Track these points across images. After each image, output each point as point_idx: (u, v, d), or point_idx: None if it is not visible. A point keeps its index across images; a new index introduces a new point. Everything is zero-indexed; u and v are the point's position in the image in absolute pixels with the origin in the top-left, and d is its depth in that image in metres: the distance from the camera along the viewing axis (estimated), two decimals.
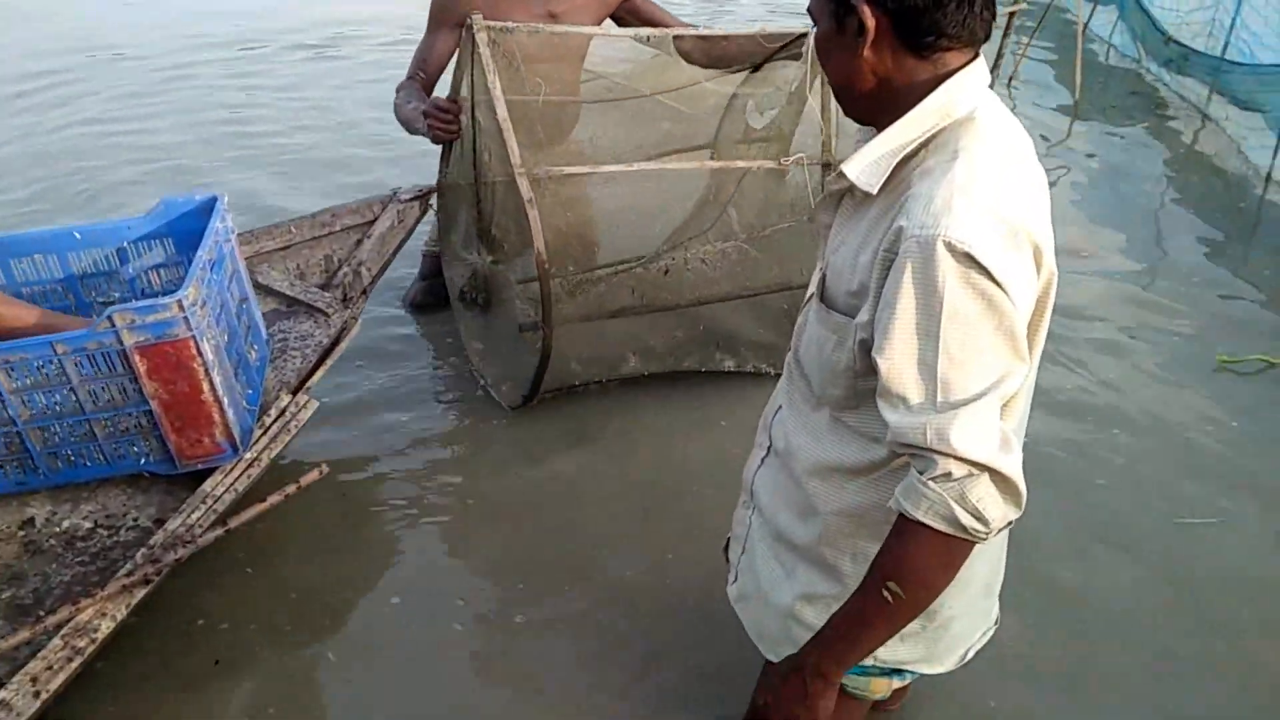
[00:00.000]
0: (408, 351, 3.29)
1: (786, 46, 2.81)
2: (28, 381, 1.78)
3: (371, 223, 2.92)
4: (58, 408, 1.82)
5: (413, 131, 2.84)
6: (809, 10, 1.30)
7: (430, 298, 3.43)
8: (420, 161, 4.28)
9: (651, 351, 2.95)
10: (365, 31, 7.23)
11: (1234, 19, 6.00)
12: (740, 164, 2.86)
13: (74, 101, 5.73)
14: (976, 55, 1.24)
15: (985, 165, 1.18)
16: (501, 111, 2.32)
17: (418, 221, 2.97)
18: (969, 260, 1.11)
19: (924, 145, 1.23)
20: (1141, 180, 4.98)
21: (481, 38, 2.32)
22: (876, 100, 1.25)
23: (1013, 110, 5.01)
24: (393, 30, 7.00)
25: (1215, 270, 4.09)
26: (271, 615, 2.14)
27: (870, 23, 1.17)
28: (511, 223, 2.82)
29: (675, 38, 2.81)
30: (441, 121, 2.62)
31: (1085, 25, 6.60)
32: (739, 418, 2.90)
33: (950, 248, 1.11)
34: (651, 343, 2.96)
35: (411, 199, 2.96)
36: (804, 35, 2.70)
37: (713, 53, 2.90)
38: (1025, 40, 6.66)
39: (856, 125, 1.39)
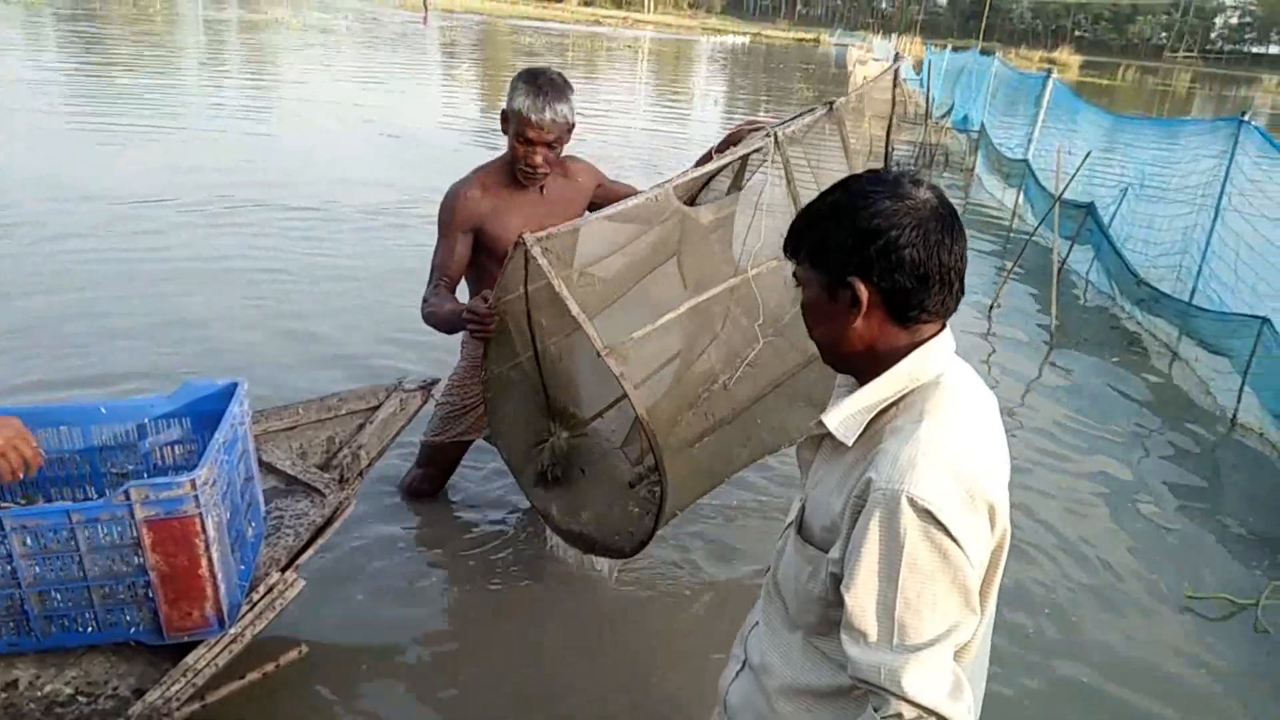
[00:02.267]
0: (399, 538, 3.39)
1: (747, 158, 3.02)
2: (39, 546, 1.89)
3: (375, 408, 3.09)
4: (61, 573, 1.92)
5: (450, 331, 3.00)
6: (795, 275, 1.45)
7: (426, 485, 3.57)
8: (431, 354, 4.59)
9: (731, 456, 3.07)
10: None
11: (1200, 266, 6.41)
12: (752, 271, 2.96)
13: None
14: (944, 325, 1.41)
15: (948, 429, 1.32)
16: (574, 308, 2.44)
17: (418, 411, 3.14)
18: (929, 517, 1.24)
19: (895, 404, 1.38)
20: (1112, 415, 5.20)
21: (536, 250, 2.47)
22: (859, 360, 1.41)
23: (990, 335, 5.32)
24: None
25: (1182, 509, 4.25)
26: None
27: (864, 297, 1.34)
28: (582, 393, 3.06)
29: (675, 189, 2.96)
30: (480, 324, 2.72)
31: (1063, 262, 7.03)
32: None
33: (913, 503, 1.24)
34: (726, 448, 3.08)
35: (415, 389, 3.15)
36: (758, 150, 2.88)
37: (693, 190, 3.13)
38: (1007, 268, 7.07)
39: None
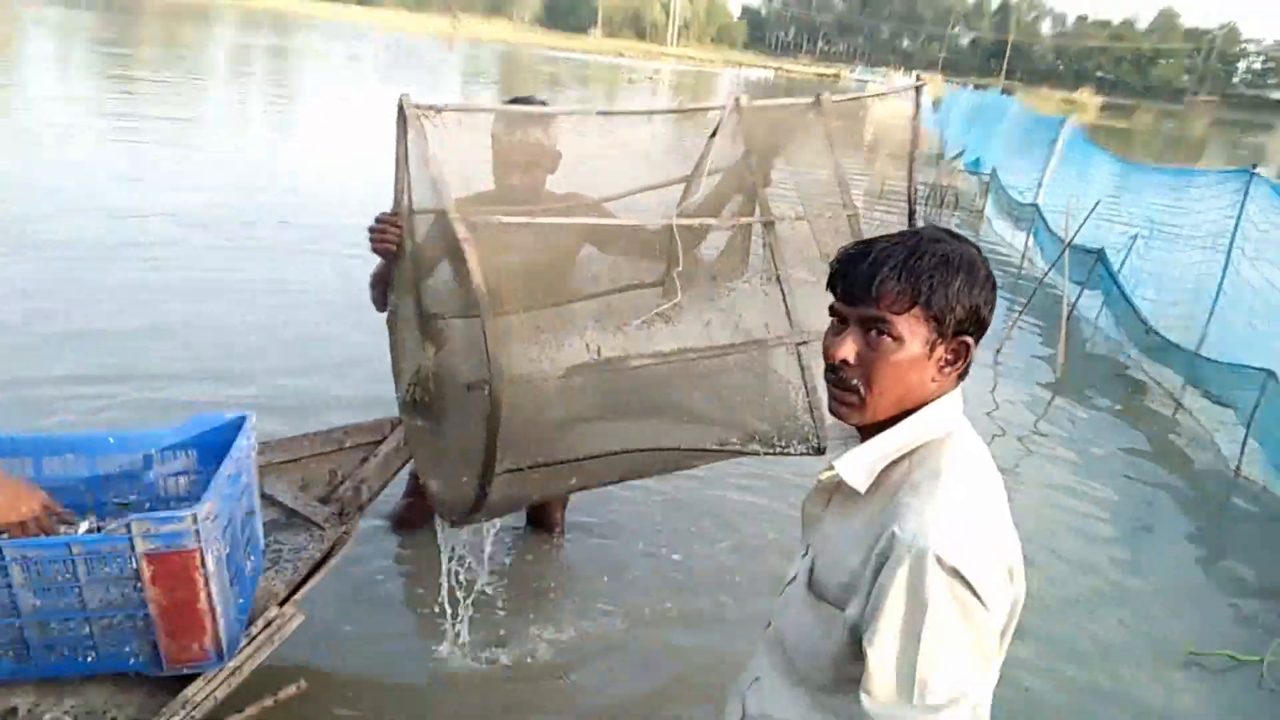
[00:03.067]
0: (389, 570, 3.42)
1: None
2: (39, 577, 1.93)
3: (380, 442, 3.13)
4: (61, 604, 1.96)
5: (379, 289, 2.89)
6: (886, 333, 1.33)
7: (413, 515, 3.57)
8: None
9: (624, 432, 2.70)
10: None
11: (1209, 315, 6.41)
12: (679, 220, 2.65)
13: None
14: None
15: (970, 488, 1.35)
16: (434, 170, 2.24)
17: None
18: (956, 576, 1.25)
19: (907, 456, 1.39)
20: (1114, 465, 5.20)
21: (411, 112, 2.27)
22: (906, 411, 1.39)
23: (996, 381, 5.30)
24: None
25: (1185, 563, 4.25)
26: None
27: (972, 356, 1.36)
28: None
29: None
30: (380, 233, 2.61)
31: (1072, 308, 7.05)
32: None
33: (940, 561, 1.25)
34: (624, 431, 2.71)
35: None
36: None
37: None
38: (1015, 313, 7.09)
39: (834, 420, 1.50)
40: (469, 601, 3.03)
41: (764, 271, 2.72)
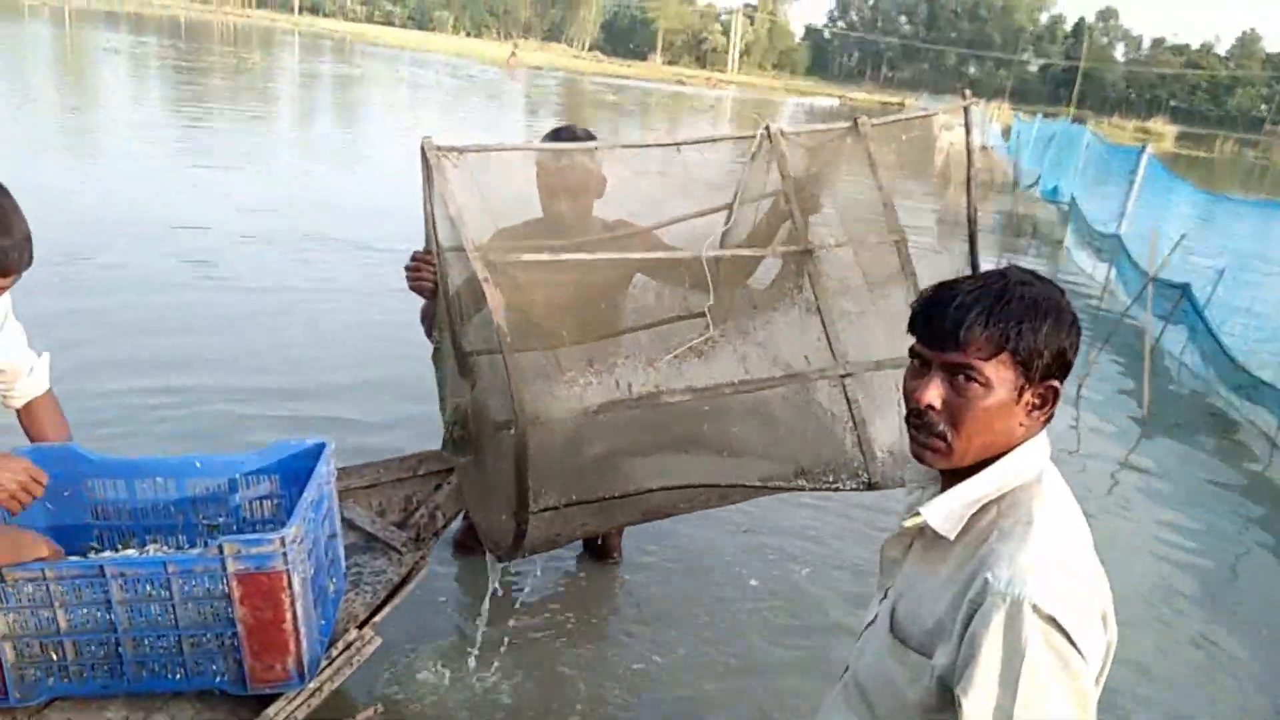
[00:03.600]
0: (451, 593, 3.51)
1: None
2: (136, 593, 1.97)
3: (452, 470, 3.15)
4: (155, 620, 2.00)
5: (427, 321, 2.91)
6: (974, 379, 1.31)
7: (474, 541, 3.57)
8: None
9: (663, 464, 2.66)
10: None
11: None
12: (709, 253, 2.62)
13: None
14: None
15: (1062, 533, 1.33)
16: (452, 208, 2.29)
17: None
18: (1053, 624, 1.23)
19: (995, 501, 1.37)
20: (1205, 507, 5.02)
21: (433, 156, 2.31)
22: (993, 456, 1.38)
23: (1076, 417, 5.19)
24: None
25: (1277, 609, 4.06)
26: None
27: (1058, 402, 1.35)
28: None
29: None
30: (414, 271, 2.65)
31: (1155, 343, 6.85)
32: None
33: (1036, 610, 1.23)
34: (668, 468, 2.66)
35: None
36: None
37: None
38: (1097, 348, 6.91)
39: (915, 464, 1.49)
40: (510, 625, 3.13)
41: (804, 302, 2.66)
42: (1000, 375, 1.30)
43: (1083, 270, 11.09)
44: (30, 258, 2.07)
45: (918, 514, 1.40)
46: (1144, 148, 11.11)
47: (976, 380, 1.31)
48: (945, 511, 1.38)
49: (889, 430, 2.60)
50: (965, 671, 1.27)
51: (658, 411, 2.51)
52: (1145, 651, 3.55)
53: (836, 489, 2.57)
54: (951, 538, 1.38)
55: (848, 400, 2.60)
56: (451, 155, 2.35)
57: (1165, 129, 71.09)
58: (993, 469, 1.36)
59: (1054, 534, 1.31)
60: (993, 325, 1.29)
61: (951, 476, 1.41)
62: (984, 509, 1.37)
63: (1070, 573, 1.28)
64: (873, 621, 1.54)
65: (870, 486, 2.55)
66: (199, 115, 16.15)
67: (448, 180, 2.32)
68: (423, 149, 2.33)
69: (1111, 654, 1.36)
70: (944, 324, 1.32)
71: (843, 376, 2.59)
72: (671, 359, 2.58)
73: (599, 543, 3.75)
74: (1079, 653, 1.23)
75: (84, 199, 8.75)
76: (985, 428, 1.33)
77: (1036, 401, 1.33)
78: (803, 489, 2.60)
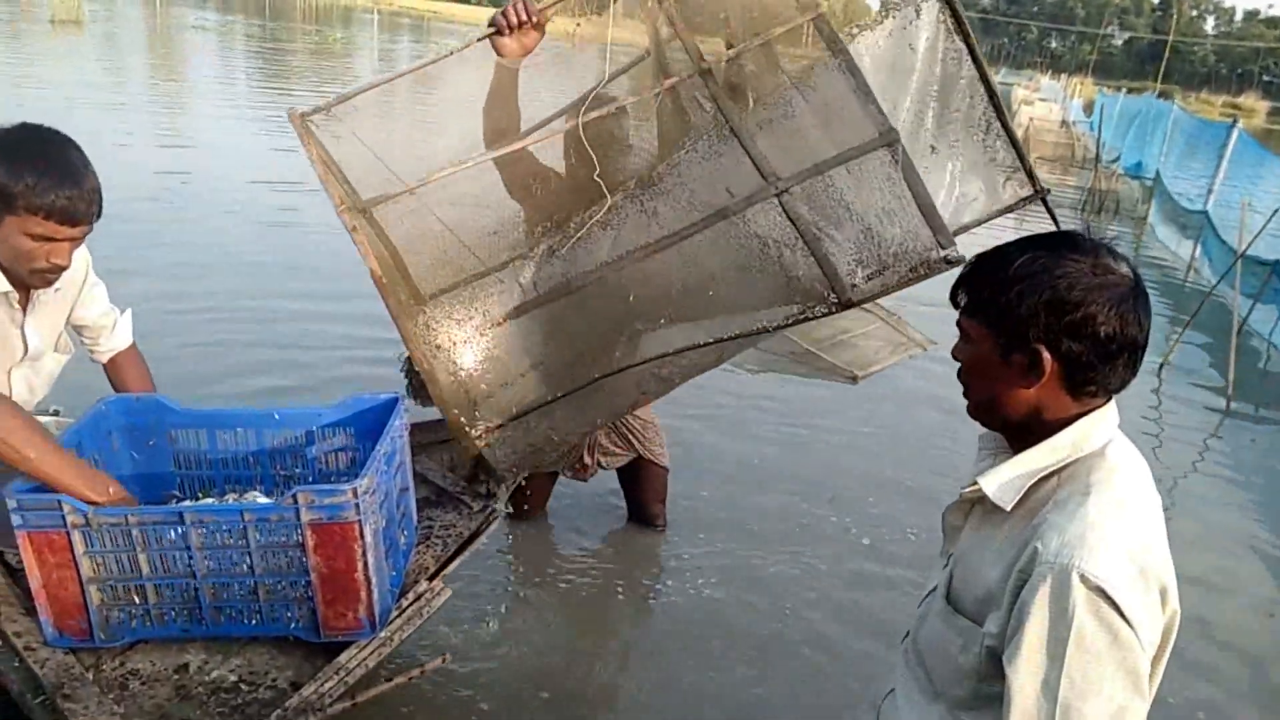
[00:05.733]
0: (502, 555, 3.60)
1: None
2: (214, 540, 2.02)
3: None
4: (233, 567, 2.05)
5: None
6: (958, 324, 1.43)
7: (526, 506, 3.72)
8: None
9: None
10: None
11: None
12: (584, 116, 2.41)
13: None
14: (1110, 396, 1.37)
15: (1118, 504, 1.29)
16: (319, 169, 2.31)
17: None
18: (1101, 594, 1.20)
19: (1056, 472, 1.34)
20: None
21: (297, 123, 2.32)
22: (1019, 424, 1.39)
23: (1158, 396, 5.05)
24: None
25: None
26: None
27: (1047, 366, 1.31)
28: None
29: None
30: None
31: (1243, 322, 6.60)
32: None
33: (1084, 579, 1.20)
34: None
35: None
36: None
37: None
38: (1181, 326, 6.69)
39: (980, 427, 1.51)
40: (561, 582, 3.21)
41: (714, 130, 2.38)
42: (978, 331, 1.38)
43: (1166, 246, 10.74)
44: (100, 210, 2.12)
45: (975, 483, 1.40)
46: (1235, 122, 10.67)
47: (965, 335, 1.42)
48: (1001, 482, 1.37)
49: (850, 239, 2.34)
50: (1012, 642, 1.25)
51: (582, 301, 2.42)
52: (1204, 646, 3.45)
53: (807, 319, 2.33)
54: (1009, 509, 1.36)
55: (791, 220, 2.32)
56: (316, 117, 2.38)
57: (1257, 105, 68.20)
58: (1052, 440, 1.35)
59: (1111, 505, 1.28)
60: (970, 285, 1.40)
61: (1017, 444, 1.40)
62: (1043, 480, 1.36)
63: (1122, 544, 1.24)
64: (934, 589, 1.53)
65: (844, 305, 2.30)
66: (285, 91, 16.48)
67: (322, 144, 2.34)
68: (290, 118, 2.34)
69: (1175, 632, 1.31)
70: (954, 286, 1.44)
71: (778, 195, 2.32)
72: (571, 246, 2.45)
73: (642, 511, 3.84)
74: (1130, 626, 1.19)
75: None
76: (979, 383, 1.41)
77: (1026, 362, 1.33)
78: (769, 331, 2.36)
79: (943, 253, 2.21)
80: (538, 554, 3.60)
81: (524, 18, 2.44)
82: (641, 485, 3.77)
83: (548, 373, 2.55)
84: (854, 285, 2.29)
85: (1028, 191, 2.56)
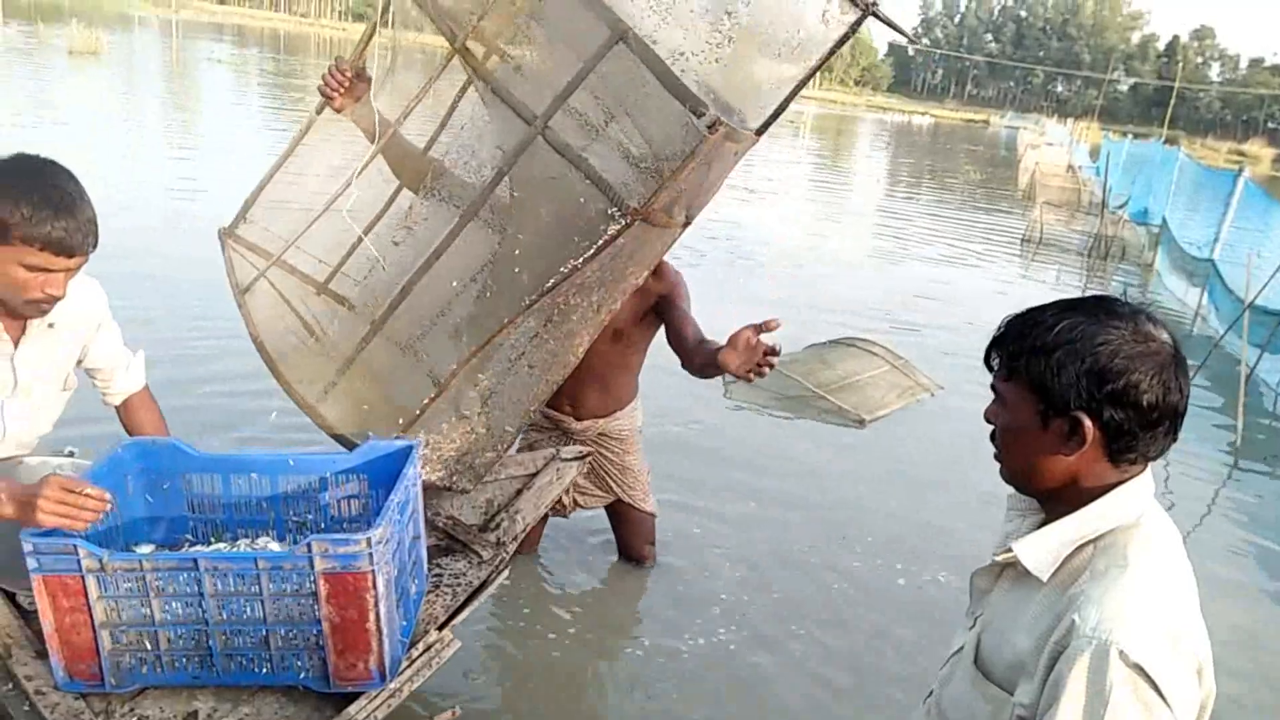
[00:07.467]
0: (512, 595, 3.56)
1: None
2: (228, 587, 2.02)
3: (534, 475, 3.18)
4: (245, 614, 2.05)
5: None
6: (993, 388, 1.42)
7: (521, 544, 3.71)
8: None
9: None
10: None
11: None
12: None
13: None
14: (1147, 464, 1.37)
15: (1157, 579, 1.28)
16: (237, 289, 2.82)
17: (574, 479, 3.22)
18: (1140, 673, 1.18)
19: (1092, 541, 1.33)
20: None
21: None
22: (1056, 491, 1.37)
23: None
24: None
25: None
26: None
27: (1090, 435, 1.30)
28: None
29: None
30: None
31: (1251, 371, 6.59)
32: None
33: (1123, 657, 1.19)
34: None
35: (571, 459, 3.23)
36: None
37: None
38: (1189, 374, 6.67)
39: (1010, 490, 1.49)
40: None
41: (477, 93, 2.45)
42: (1016, 396, 1.37)
43: (1173, 294, 10.75)
44: (96, 241, 2.13)
45: (1009, 550, 1.38)
46: (1241, 170, 10.73)
47: (1001, 399, 1.40)
48: (1039, 550, 1.36)
49: (615, 148, 2.32)
50: (1046, 715, 1.23)
51: (414, 305, 2.58)
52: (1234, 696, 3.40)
53: (609, 240, 2.25)
54: (1045, 580, 1.35)
55: (560, 153, 2.28)
56: (241, 226, 2.74)
57: (1262, 151, 68.59)
58: (1090, 509, 1.33)
59: (1150, 579, 1.27)
60: (1005, 349, 1.39)
61: (1051, 509, 1.39)
62: (1079, 549, 1.34)
63: (1163, 621, 1.23)
64: (959, 650, 1.51)
65: (634, 213, 2.22)
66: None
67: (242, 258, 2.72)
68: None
69: (1209, 710, 1.30)
70: (988, 349, 1.42)
71: (541, 134, 2.28)
72: (390, 263, 2.66)
73: (629, 550, 3.87)
74: (1166, 704, 1.18)
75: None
76: (1015, 449, 1.40)
77: (1066, 430, 1.32)
78: (578, 268, 2.30)
79: (698, 121, 2.09)
80: (530, 593, 3.61)
81: (340, 80, 2.66)
82: (627, 529, 3.80)
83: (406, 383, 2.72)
84: (626, 185, 2.25)
85: (853, 14, 2.17)
